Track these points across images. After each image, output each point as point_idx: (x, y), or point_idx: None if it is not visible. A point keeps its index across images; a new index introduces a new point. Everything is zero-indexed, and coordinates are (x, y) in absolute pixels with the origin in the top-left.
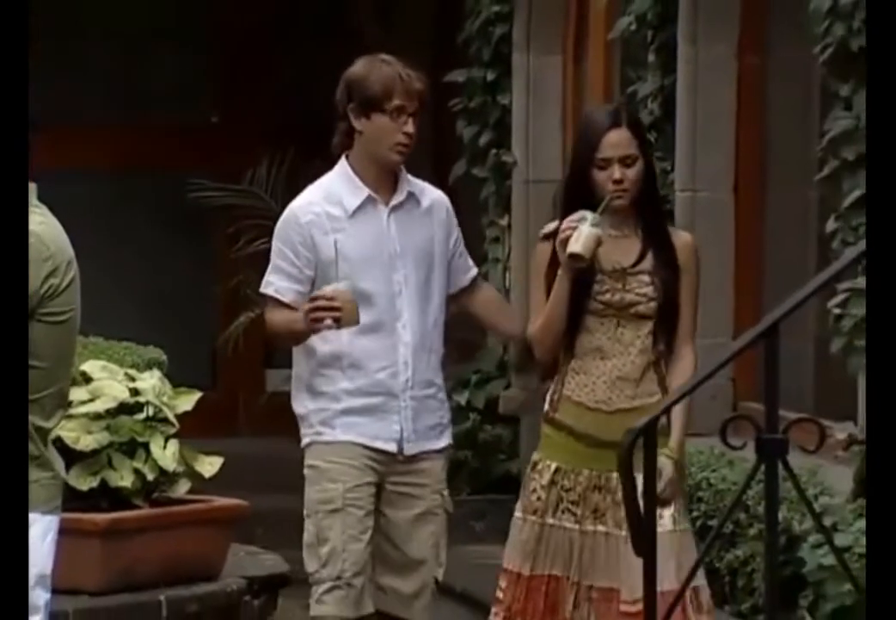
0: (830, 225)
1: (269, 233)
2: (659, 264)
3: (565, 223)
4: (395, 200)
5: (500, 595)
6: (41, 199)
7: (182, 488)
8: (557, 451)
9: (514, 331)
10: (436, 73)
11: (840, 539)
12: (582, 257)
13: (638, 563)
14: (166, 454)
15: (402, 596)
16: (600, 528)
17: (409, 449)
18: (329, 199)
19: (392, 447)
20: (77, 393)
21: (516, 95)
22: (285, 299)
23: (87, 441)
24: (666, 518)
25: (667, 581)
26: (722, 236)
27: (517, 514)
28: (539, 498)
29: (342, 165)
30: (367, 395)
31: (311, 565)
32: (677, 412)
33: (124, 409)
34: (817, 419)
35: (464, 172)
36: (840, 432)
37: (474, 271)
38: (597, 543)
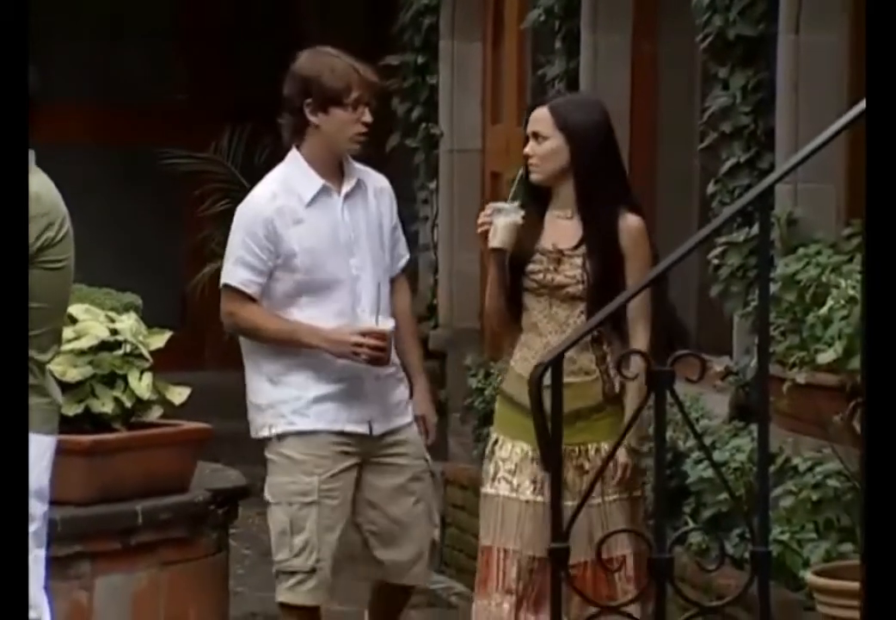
0: (710, 188)
1: (230, 195)
2: (592, 249)
3: (481, 217)
4: (346, 188)
5: (483, 577)
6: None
7: (155, 413)
8: (499, 421)
9: (406, 348)
10: (373, 57)
11: (718, 456)
12: (502, 250)
13: (576, 533)
14: (142, 384)
15: (400, 565)
16: (539, 498)
17: (378, 429)
18: (288, 191)
19: (364, 429)
20: (64, 332)
21: (443, 76)
22: (249, 291)
23: (72, 374)
24: (598, 489)
25: (595, 551)
26: None
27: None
28: (484, 469)
29: (294, 157)
30: (335, 381)
31: (282, 553)
32: (631, 398)
33: (105, 346)
34: (699, 354)
35: (398, 143)
36: (718, 365)
37: (405, 259)
38: (536, 513)
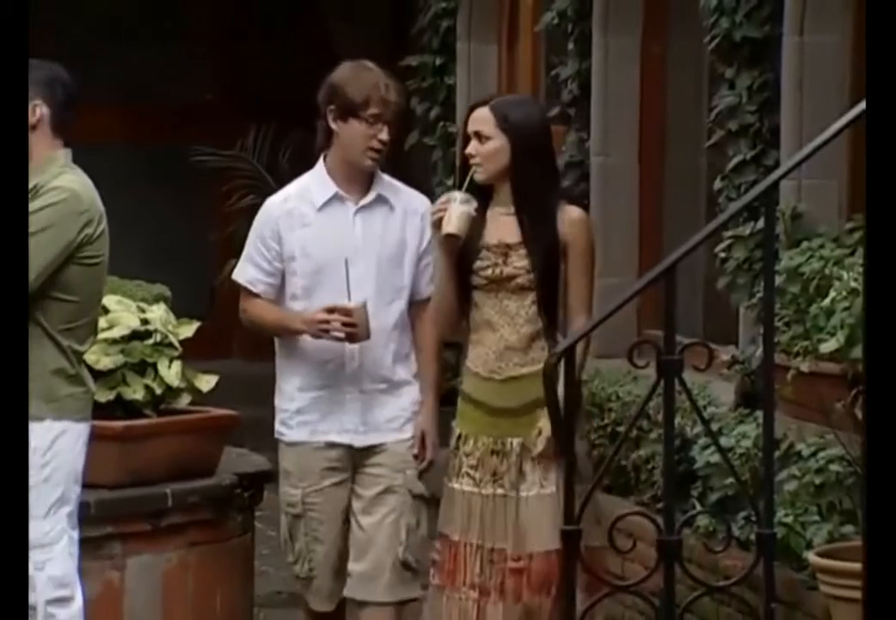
0: (717, 184)
1: (256, 191)
2: (538, 239)
3: (436, 205)
4: (363, 201)
5: (435, 557)
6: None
7: (184, 400)
8: (462, 418)
9: (423, 369)
10: (393, 58)
11: (724, 441)
12: (456, 236)
13: (525, 519)
14: (171, 372)
15: (359, 578)
16: (498, 491)
17: (359, 441)
18: (302, 195)
19: (346, 439)
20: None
21: (460, 77)
22: (256, 289)
23: (105, 362)
24: (551, 479)
25: (549, 541)
26: (629, 193)
27: (444, 480)
28: (450, 464)
29: (319, 164)
30: (315, 389)
31: (289, 557)
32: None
33: (136, 335)
34: (706, 343)
35: (416, 141)
36: (725, 354)
37: (425, 295)
38: (496, 506)
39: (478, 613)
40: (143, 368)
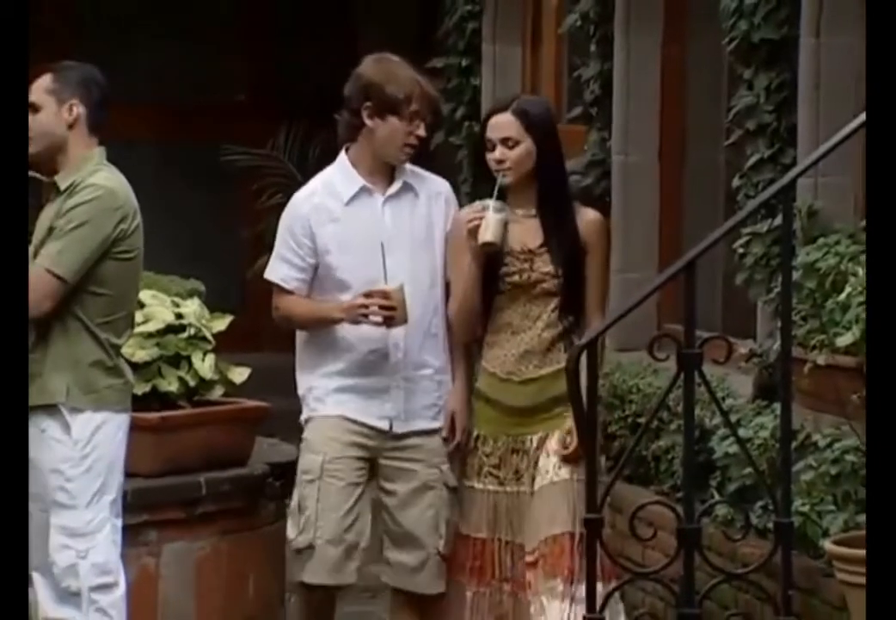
0: (735, 182)
1: (286, 189)
2: (558, 245)
3: (471, 214)
4: (390, 191)
5: (467, 565)
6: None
7: (217, 392)
8: (479, 419)
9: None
10: (420, 59)
11: (742, 432)
12: (493, 244)
13: (537, 514)
14: (205, 365)
15: (405, 569)
16: (521, 488)
17: (399, 428)
18: (328, 189)
19: (384, 425)
20: None
21: (485, 78)
22: (289, 286)
23: (141, 355)
24: (565, 470)
25: (559, 525)
26: (649, 191)
27: (461, 480)
28: (468, 464)
29: (341, 158)
30: (358, 376)
31: (291, 531)
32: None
33: (171, 329)
34: (725, 337)
35: (443, 141)
36: (743, 347)
37: None
38: (522, 503)
39: (514, 605)
40: (177, 361)
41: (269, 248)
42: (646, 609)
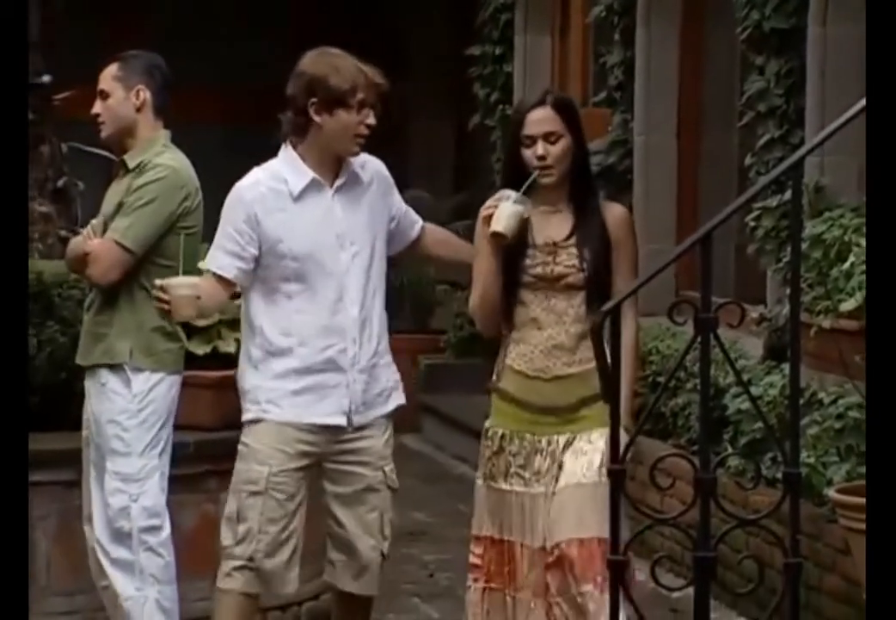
0: (748, 160)
1: None
2: (587, 237)
3: (488, 202)
4: (339, 181)
5: (476, 561)
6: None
7: None
8: (503, 418)
9: (471, 256)
10: (459, 47)
11: (754, 390)
12: (503, 236)
13: (560, 513)
14: None
15: (347, 571)
16: (541, 489)
17: (359, 420)
18: (275, 179)
19: (341, 421)
20: None
21: (517, 65)
22: (228, 275)
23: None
24: (593, 473)
25: (587, 529)
26: (668, 168)
27: (477, 481)
28: (493, 464)
29: (287, 151)
30: (316, 372)
31: (226, 539)
32: (625, 385)
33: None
34: (738, 303)
35: (478, 123)
36: (754, 312)
37: (419, 223)
38: (546, 505)
39: (514, 605)
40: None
41: None
42: (664, 552)
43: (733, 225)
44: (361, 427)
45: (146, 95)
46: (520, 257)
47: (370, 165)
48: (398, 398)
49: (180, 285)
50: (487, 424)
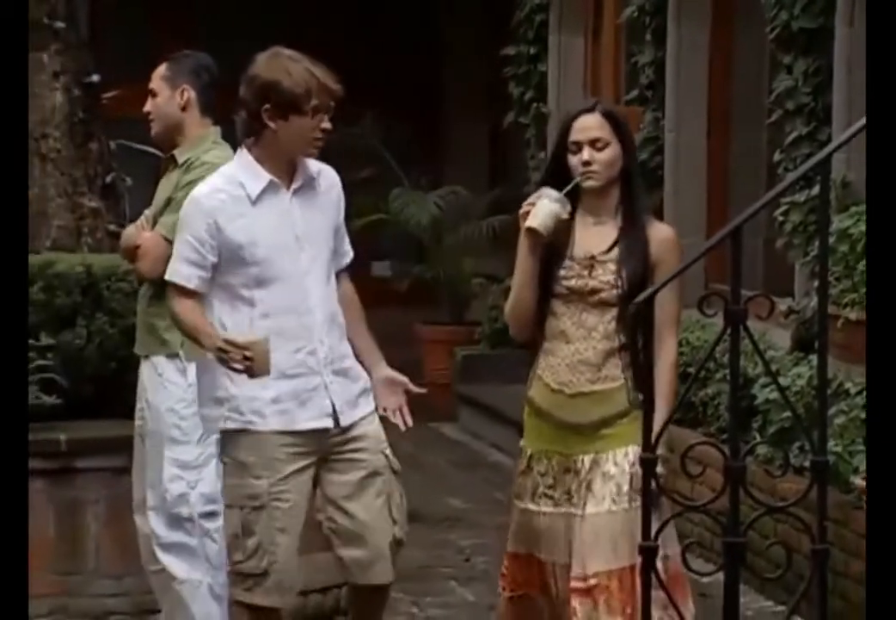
0: (776, 157)
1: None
2: (628, 253)
3: (527, 200)
4: (296, 184)
5: (503, 570)
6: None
7: None
8: (531, 434)
9: (359, 333)
10: (494, 48)
11: (782, 381)
12: (538, 232)
13: (590, 538)
14: None
15: (361, 563)
16: (571, 510)
17: (345, 420)
18: (232, 185)
19: (328, 423)
20: None
21: (551, 64)
22: (190, 285)
23: None
24: (623, 498)
25: (620, 558)
26: (698, 165)
27: (513, 499)
28: (520, 483)
29: (243, 155)
30: (291, 377)
31: (235, 555)
32: (659, 408)
33: None
34: (767, 295)
35: (513, 120)
36: (782, 304)
37: (347, 258)
38: (574, 525)
39: None
40: None
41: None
42: (695, 538)
43: (762, 220)
44: (351, 426)
45: (190, 94)
46: (556, 267)
47: (327, 173)
48: (372, 401)
49: (259, 341)
50: (522, 442)
